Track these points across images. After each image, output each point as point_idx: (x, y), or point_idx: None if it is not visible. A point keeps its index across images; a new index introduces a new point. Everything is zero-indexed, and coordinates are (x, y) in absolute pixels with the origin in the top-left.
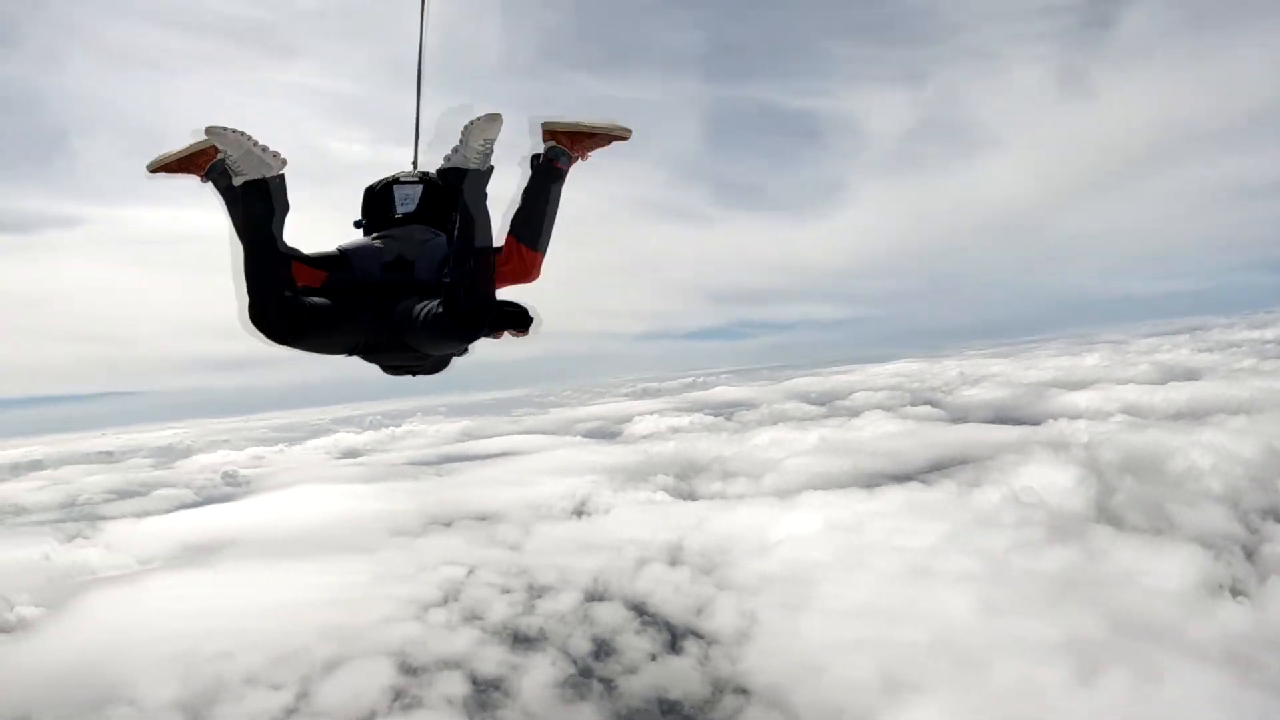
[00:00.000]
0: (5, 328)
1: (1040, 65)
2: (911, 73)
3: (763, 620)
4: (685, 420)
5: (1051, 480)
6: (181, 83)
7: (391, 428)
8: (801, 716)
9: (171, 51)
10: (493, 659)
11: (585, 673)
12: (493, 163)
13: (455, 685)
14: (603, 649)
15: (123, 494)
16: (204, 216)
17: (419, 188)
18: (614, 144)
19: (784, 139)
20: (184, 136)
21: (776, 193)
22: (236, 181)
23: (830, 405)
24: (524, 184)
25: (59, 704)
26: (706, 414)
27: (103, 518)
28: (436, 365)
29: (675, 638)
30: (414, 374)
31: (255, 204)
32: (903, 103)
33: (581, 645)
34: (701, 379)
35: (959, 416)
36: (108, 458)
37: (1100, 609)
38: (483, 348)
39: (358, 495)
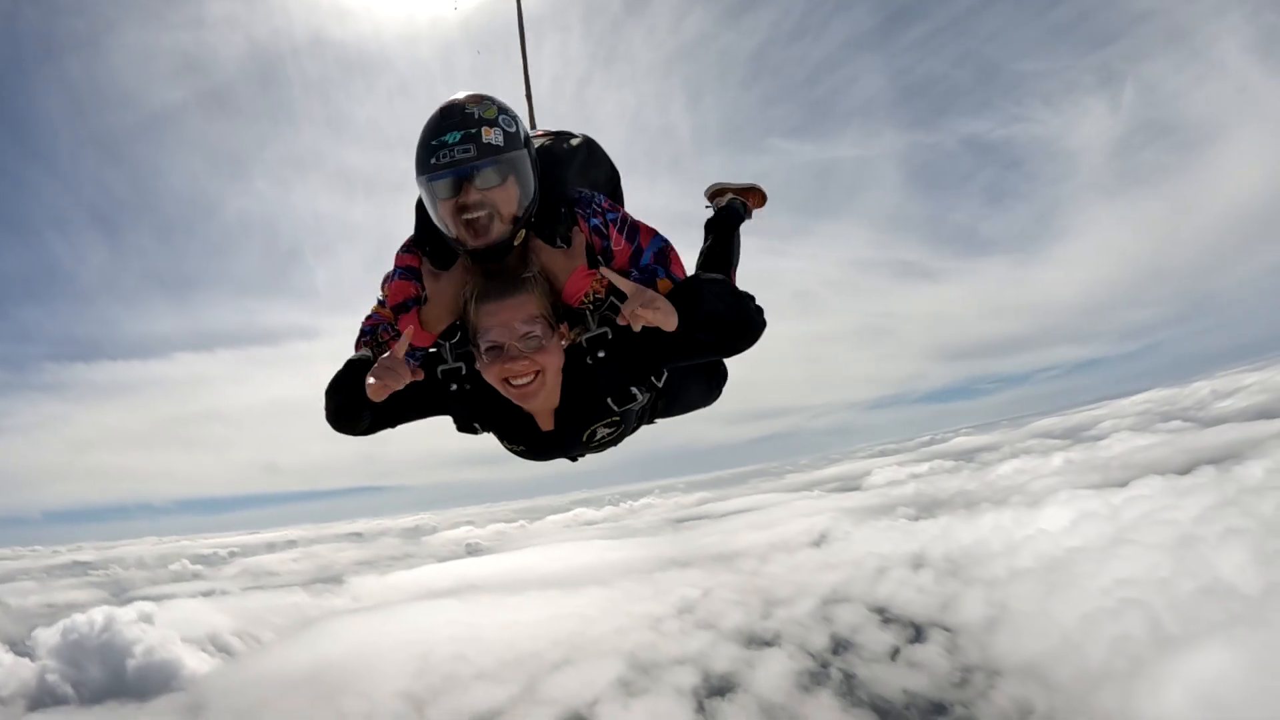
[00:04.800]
0: (268, 432)
1: (1235, 37)
2: (1104, 78)
3: (1014, 608)
4: (925, 467)
5: None
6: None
7: (629, 503)
8: (1062, 686)
9: (386, 170)
10: (726, 656)
11: (824, 665)
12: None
13: (686, 678)
14: (841, 645)
15: (370, 565)
16: None
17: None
18: (763, 206)
19: (990, 174)
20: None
21: (991, 233)
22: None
23: (1076, 437)
24: (707, 242)
25: (294, 699)
26: (946, 460)
27: (350, 577)
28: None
29: (919, 632)
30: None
31: None
32: (1103, 112)
33: (820, 642)
34: (941, 435)
35: (1214, 424)
36: (358, 538)
37: None
38: (709, 432)
39: (596, 549)
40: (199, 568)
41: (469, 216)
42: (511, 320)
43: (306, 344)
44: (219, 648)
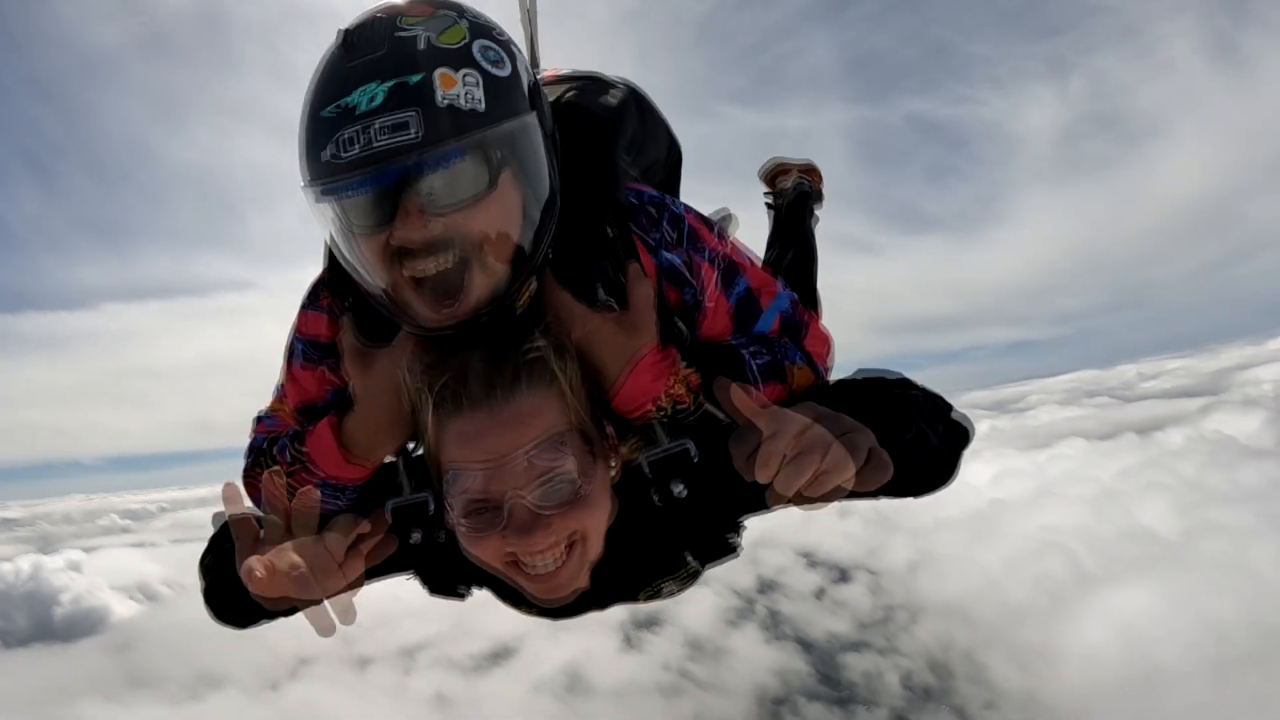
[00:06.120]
0: (201, 387)
1: (1185, 39)
2: (1055, 67)
3: (937, 553)
4: None
5: (1238, 424)
6: None
7: None
8: (983, 622)
9: None
10: None
11: (749, 602)
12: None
13: (613, 611)
14: (767, 585)
15: None
16: None
17: None
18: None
19: (934, 153)
20: None
21: (935, 211)
22: None
23: (1003, 409)
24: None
25: (222, 638)
26: None
27: None
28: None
29: (844, 574)
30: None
31: None
32: (1051, 99)
33: (746, 582)
34: None
35: (1138, 400)
36: None
37: None
38: None
39: None
40: (128, 522)
41: (419, 270)
42: (512, 449)
43: (240, 296)
44: (148, 595)
